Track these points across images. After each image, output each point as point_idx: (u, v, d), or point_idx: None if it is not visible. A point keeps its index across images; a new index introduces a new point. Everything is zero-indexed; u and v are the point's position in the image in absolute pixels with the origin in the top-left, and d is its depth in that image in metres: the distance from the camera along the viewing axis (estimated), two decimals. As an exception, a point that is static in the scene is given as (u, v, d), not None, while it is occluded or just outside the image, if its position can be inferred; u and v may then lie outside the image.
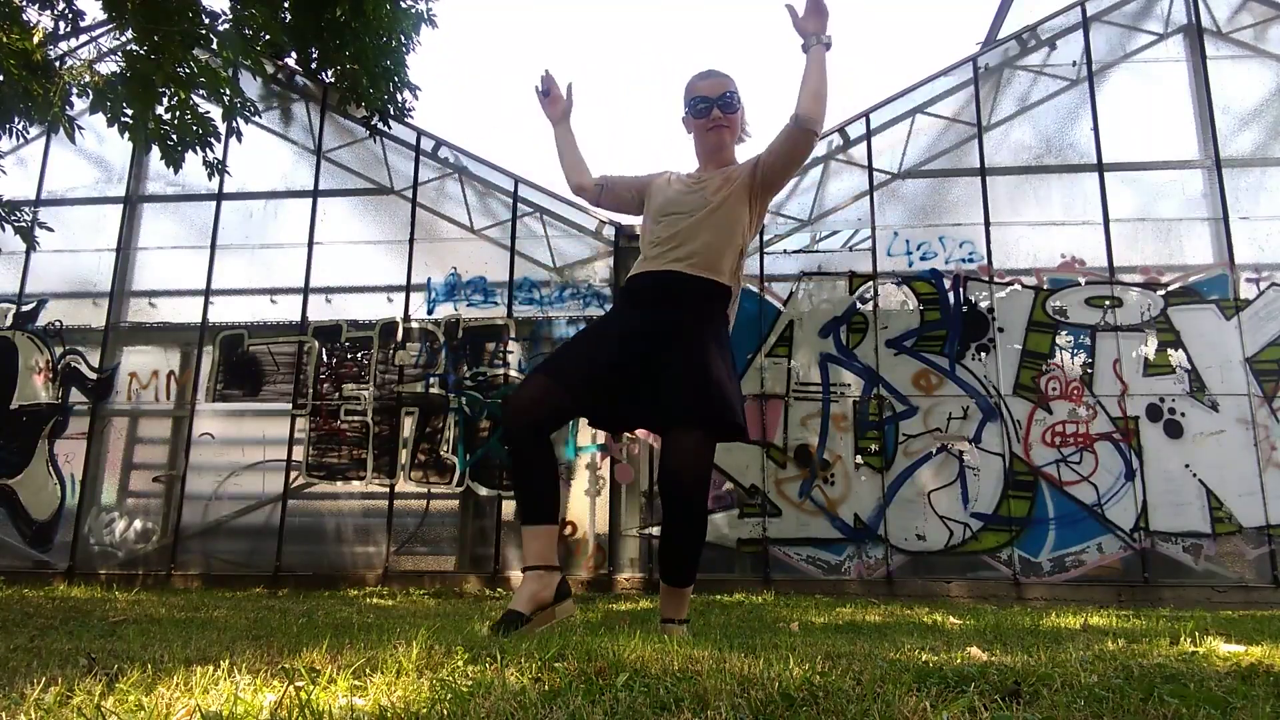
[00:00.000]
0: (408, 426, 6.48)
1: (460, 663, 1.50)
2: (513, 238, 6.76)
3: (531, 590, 2.26)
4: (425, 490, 6.43)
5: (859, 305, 6.36)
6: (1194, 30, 6.68)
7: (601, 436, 6.32)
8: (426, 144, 7.03)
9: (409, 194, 6.96)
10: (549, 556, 2.31)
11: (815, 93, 2.41)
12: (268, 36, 5.39)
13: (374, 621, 3.06)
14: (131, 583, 6.16)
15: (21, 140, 6.94)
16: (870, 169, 6.64)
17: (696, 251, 2.42)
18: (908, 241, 6.49)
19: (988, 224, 6.39)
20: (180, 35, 4.45)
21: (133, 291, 7.10)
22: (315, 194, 7.03)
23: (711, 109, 2.53)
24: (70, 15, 5.21)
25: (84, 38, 6.17)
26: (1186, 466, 5.86)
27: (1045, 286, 6.25)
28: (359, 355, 6.64)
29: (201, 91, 5.01)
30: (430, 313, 6.72)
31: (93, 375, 6.83)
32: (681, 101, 2.63)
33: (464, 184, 7.03)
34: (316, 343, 6.68)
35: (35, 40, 4.81)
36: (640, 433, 6.20)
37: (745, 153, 2.66)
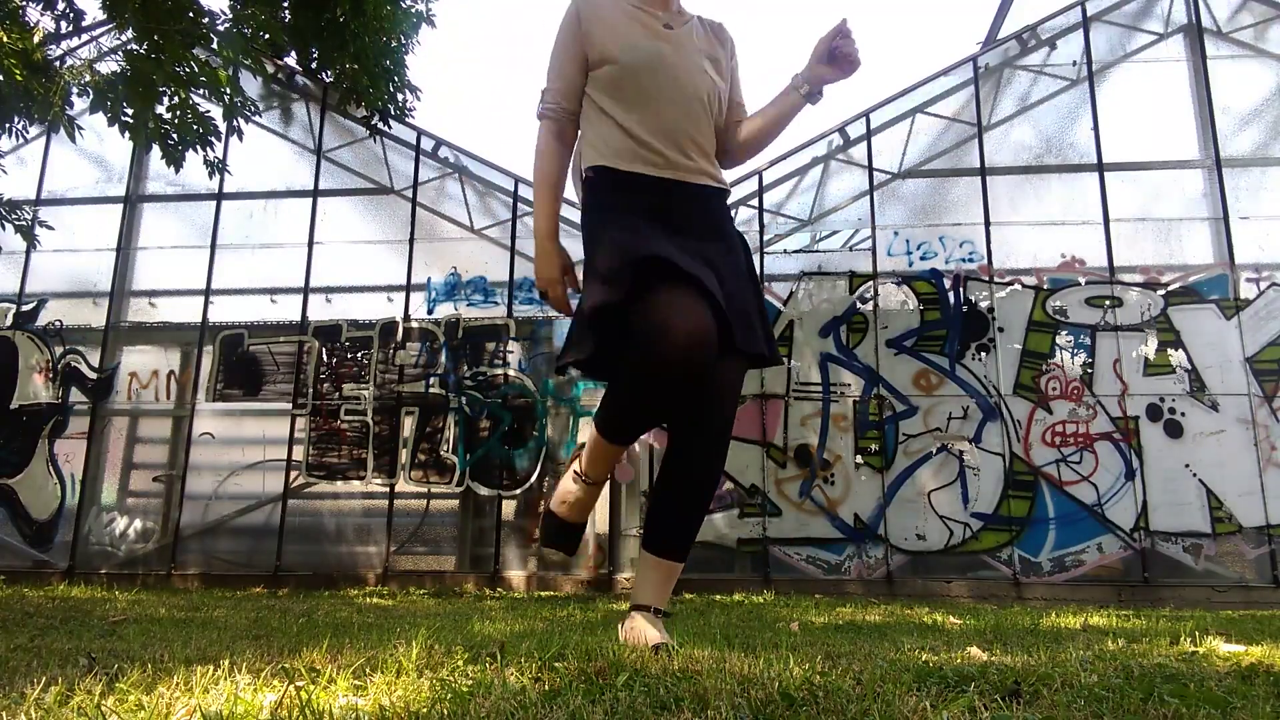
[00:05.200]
0: (408, 426, 6.48)
1: (460, 663, 1.50)
2: (513, 237, 6.76)
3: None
4: (425, 490, 6.43)
5: (859, 305, 6.36)
6: (1194, 30, 6.68)
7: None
8: (426, 144, 7.03)
9: (409, 194, 6.96)
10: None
11: (769, 130, 2.10)
12: (267, 36, 5.38)
13: (374, 621, 3.06)
14: (131, 582, 6.15)
15: (21, 140, 6.93)
16: (870, 169, 6.63)
17: (706, 151, 1.99)
18: (908, 241, 6.48)
19: (988, 224, 6.39)
20: (180, 35, 4.45)
21: (133, 291, 7.10)
22: (315, 194, 7.03)
23: None
24: (70, 15, 5.21)
25: (84, 37, 6.17)
26: (1186, 466, 5.86)
27: (1045, 286, 6.25)
28: (359, 355, 6.64)
29: (202, 91, 5.00)
30: (430, 312, 6.72)
31: (93, 375, 6.83)
32: None
33: (464, 184, 7.03)
34: (316, 342, 6.68)
35: (35, 40, 4.81)
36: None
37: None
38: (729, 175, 2.17)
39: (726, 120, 2.09)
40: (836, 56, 1.99)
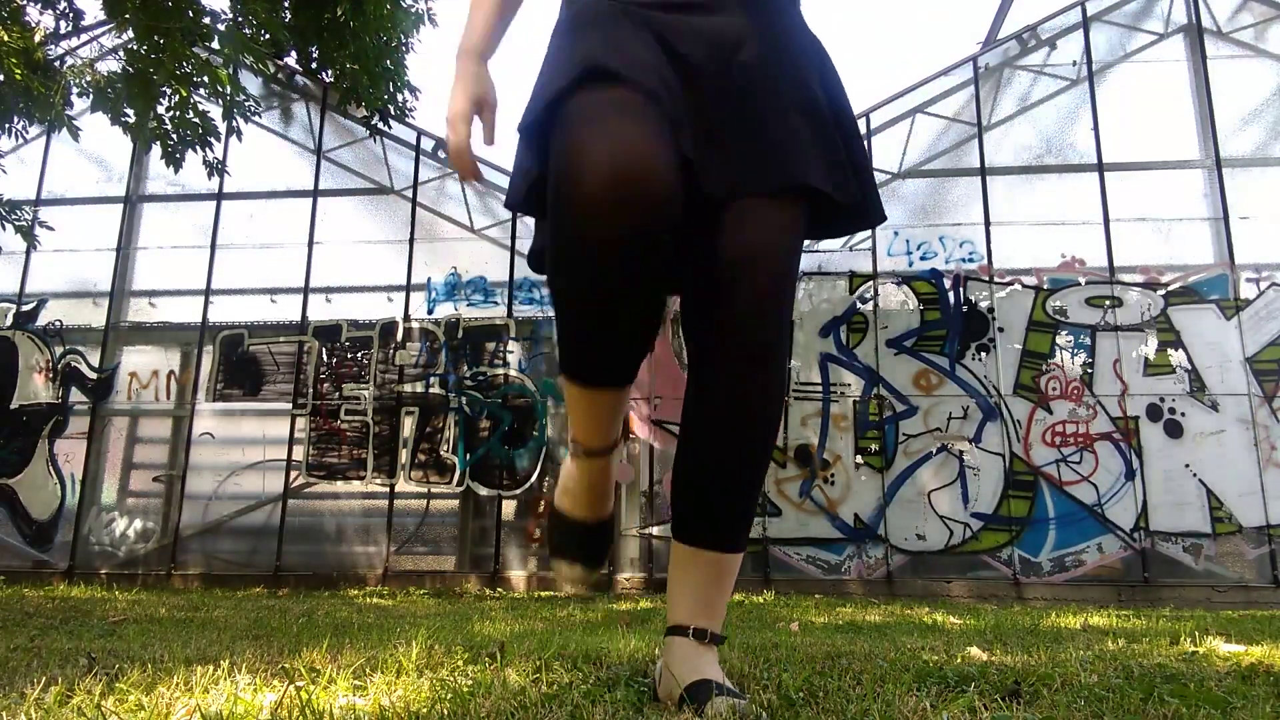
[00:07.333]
0: (408, 426, 6.48)
1: (460, 663, 1.50)
2: (513, 237, 6.76)
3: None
4: (425, 490, 6.43)
5: (859, 305, 6.36)
6: (1194, 30, 6.68)
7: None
8: (426, 143, 7.03)
9: (409, 194, 6.95)
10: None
11: None
12: (267, 35, 5.39)
13: (374, 621, 3.06)
14: (131, 582, 6.15)
15: (21, 140, 6.93)
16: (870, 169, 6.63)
17: None
18: (908, 241, 6.48)
19: (988, 224, 6.39)
20: (180, 33, 4.45)
21: (133, 291, 7.10)
22: (315, 194, 7.03)
23: None
24: (71, 14, 5.21)
25: (85, 36, 6.18)
26: (1186, 466, 5.86)
27: (1045, 286, 6.25)
28: (359, 355, 6.64)
29: (202, 91, 5.01)
30: (430, 312, 6.71)
31: (93, 375, 6.83)
32: None
33: (464, 184, 7.02)
34: (316, 342, 6.67)
35: (36, 39, 4.81)
36: (639, 430, 6.20)
37: None
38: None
39: None
40: None
